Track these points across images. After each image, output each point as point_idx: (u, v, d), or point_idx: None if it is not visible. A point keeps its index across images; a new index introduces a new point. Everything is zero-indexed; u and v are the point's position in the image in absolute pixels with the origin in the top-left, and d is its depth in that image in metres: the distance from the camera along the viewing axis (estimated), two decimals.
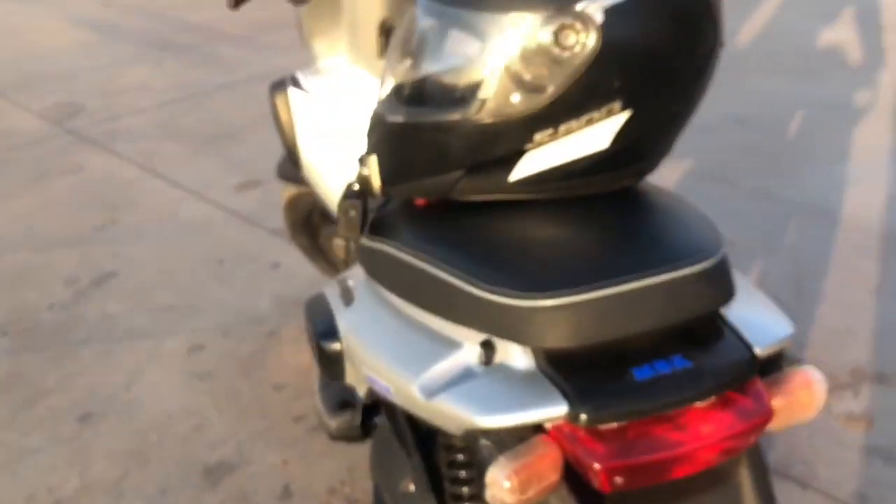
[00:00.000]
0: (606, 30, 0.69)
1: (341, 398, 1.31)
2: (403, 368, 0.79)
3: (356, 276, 1.01)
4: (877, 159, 2.85)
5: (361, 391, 0.97)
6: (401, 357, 0.81)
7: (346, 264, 1.95)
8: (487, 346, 0.75)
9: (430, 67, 0.79)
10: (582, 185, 0.79)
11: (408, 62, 0.82)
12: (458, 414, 0.72)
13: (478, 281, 0.74)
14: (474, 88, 0.74)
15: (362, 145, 1.46)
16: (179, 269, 2.42)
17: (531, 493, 0.66)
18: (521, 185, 0.78)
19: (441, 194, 0.84)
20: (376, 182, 0.89)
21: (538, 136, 0.74)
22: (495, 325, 0.73)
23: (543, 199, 0.81)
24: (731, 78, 3.53)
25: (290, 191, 1.98)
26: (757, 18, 4.57)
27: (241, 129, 3.40)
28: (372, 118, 0.89)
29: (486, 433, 0.70)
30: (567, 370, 0.69)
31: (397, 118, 0.83)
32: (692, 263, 0.69)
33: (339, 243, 2.00)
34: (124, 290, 2.31)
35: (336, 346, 0.93)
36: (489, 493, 0.67)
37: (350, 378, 0.95)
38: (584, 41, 0.70)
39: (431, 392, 0.74)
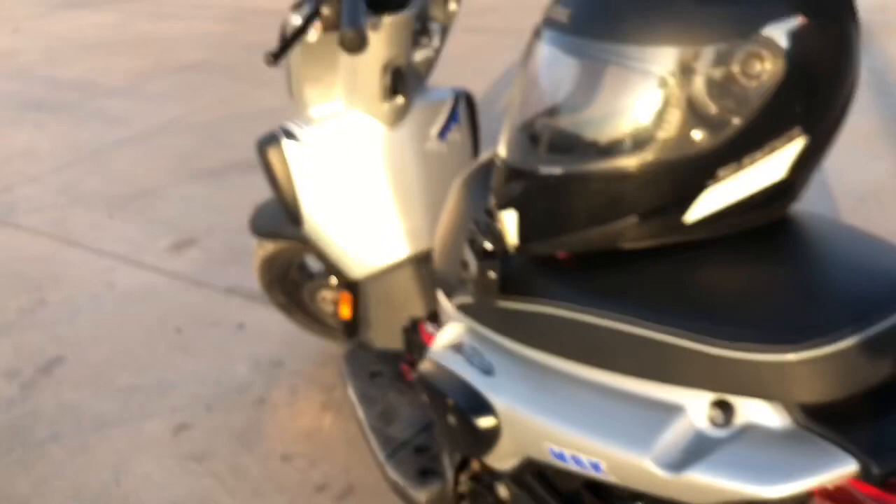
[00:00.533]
0: (790, 54, 0.70)
1: (419, 466, 1.25)
2: (622, 442, 0.73)
3: (474, 340, 0.95)
4: None
5: (507, 465, 0.91)
6: (612, 430, 0.75)
7: (335, 316, 1.87)
8: (724, 407, 0.70)
9: (592, 112, 0.75)
10: (755, 218, 0.78)
11: (549, 107, 0.79)
12: (723, 487, 0.66)
13: (706, 337, 0.69)
14: (651, 129, 0.72)
15: (374, 193, 1.40)
16: (134, 344, 2.23)
17: None
18: (697, 226, 0.77)
19: (605, 245, 0.80)
20: (513, 239, 0.85)
21: (721, 172, 0.73)
22: (734, 383, 0.68)
23: (714, 237, 0.78)
24: None
25: (267, 248, 1.88)
26: None
27: (157, 186, 3.21)
28: (503, 171, 0.84)
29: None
30: (836, 423, 0.66)
31: (554, 170, 0.78)
32: None
33: (326, 297, 1.92)
34: (78, 375, 2.11)
35: (491, 421, 0.87)
36: None
37: (502, 452, 0.89)
38: (771, 68, 0.70)
39: (676, 466, 0.69)
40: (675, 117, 0.71)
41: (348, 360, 1.62)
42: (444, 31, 1.38)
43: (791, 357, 0.64)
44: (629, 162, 0.73)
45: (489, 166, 1.11)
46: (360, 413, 1.47)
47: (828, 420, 0.65)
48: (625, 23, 0.71)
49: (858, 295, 0.68)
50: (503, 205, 0.83)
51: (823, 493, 0.65)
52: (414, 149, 1.52)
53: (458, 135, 1.56)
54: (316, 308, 2.01)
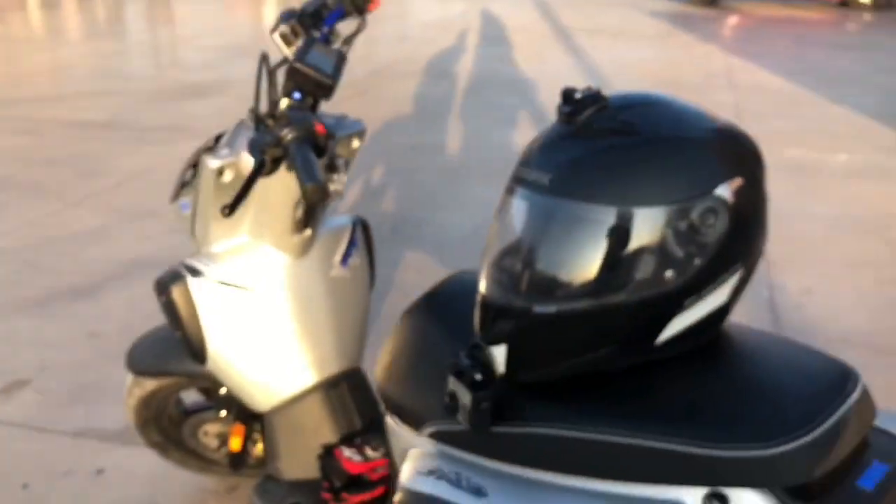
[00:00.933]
0: (734, 207, 0.86)
1: None
2: None
3: (453, 465, 0.99)
4: None
5: None
6: None
7: (220, 450, 1.81)
8: (719, 499, 0.81)
9: (577, 260, 0.86)
10: (704, 336, 0.93)
11: (534, 255, 0.88)
12: None
13: (697, 441, 0.80)
14: (630, 271, 0.85)
15: (281, 324, 1.41)
16: None
17: None
18: (663, 347, 0.89)
19: (587, 370, 0.90)
20: (501, 369, 0.92)
21: (686, 302, 0.87)
22: (726, 477, 0.79)
23: (674, 354, 0.91)
24: (455, 188, 3.96)
25: (146, 386, 1.80)
26: (456, 130, 5.15)
27: None
28: (490, 310, 0.92)
29: None
30: (812, 499, 0.79)
31: (548, 309, 0.87)
32: (858, 381, 0.85)
33: (210, 431, 1.86)
34: None
35: None
36: None
37: None
38: (722, 219, 0.85)
39: None
40: (649, 262, 0.84)
41: (259, 492, 1.57)
42: (348, 165, 1.46)
43: (777, 450, 0.77)
44: (614, 300, 0.85)
45: (433, 297, 1.18)
46: None
47: (803, 495, 0.78)
48: (602, 187, 0.84)
49: (809, 395, 0.83)
50: (492, 340, 0.91)
51: None
52: (320, 278, 1.56)
53: (358, 259, 1.62)
54: (198, 443, 1.93)
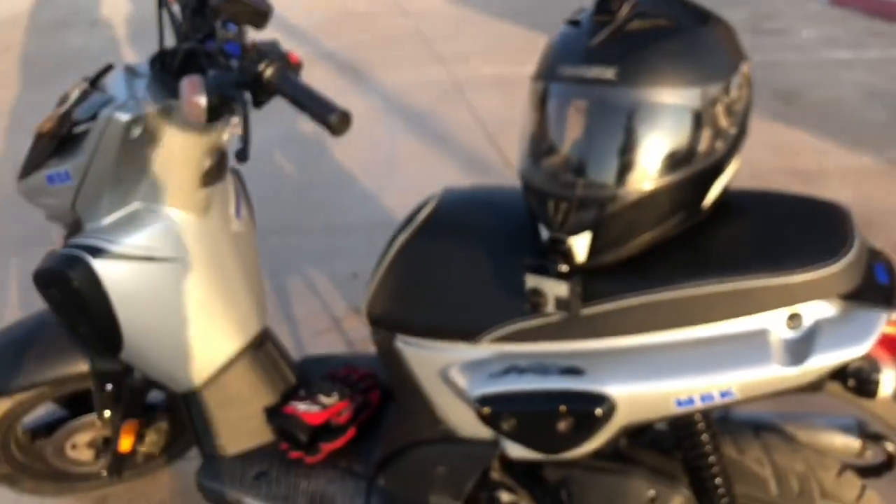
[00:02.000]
0: (749, 81, 1.02)
1: None
2: (745, 366, 0.95)
3: (522, 359, 1.06)
4: None
5: (591, 447, 1.06)
6: (731, 362, 0.95)
7: (95, 460, 1.63)
8: (794, 317, 0.97)
9: (649, 142, 0.95)
10: (721, 197, 1.07)
11: (608, 145, 0.96)
12: (830, 360, 0.93)
13: (771, 272, 0.95)
14: (695, 145, 0.96)
15: (198, 291, 1.31)
16: None
17: None
18: (706, 209, 1.03)
19: (655, 241, 1.00)
20: (582, 257, 0.99)
21: (726, 167, 1.01)
22: (798, 297, 0.95)
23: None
24: None
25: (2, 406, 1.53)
26: None
27: None
28: (573, 203, 0.97)
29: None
30: (865, 299, 0.96)
31: (633, 192, 0.96)
32: (850, 210, 1.05)
33: (80, 442, 1.64)
34: None
35: (608, 406, 1.00)
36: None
37: (601, 435, 1.04)
38: (746, 92, 1.00)
39: (793, 362, 0.94)
40: (707, 135, 0.96)
41: (208, 476, 1.44)
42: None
43: (835, 267, 0.96)
44: (686, 173, 0.96)
45: (430, 220, 1.19)
46: None
47: (860, 299, 0.98)
48: (670, 72, 0.94)
49: (832, 224, 1.02)
50: (573, 231, 0.97)
51: (883, 340, 0.98)
52: (224, 234, 1.44)
53: (246, 210, 1.52)
54: (64, 460, 1.67)
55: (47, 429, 1.68)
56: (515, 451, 1.13)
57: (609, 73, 0.95)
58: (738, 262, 0.98)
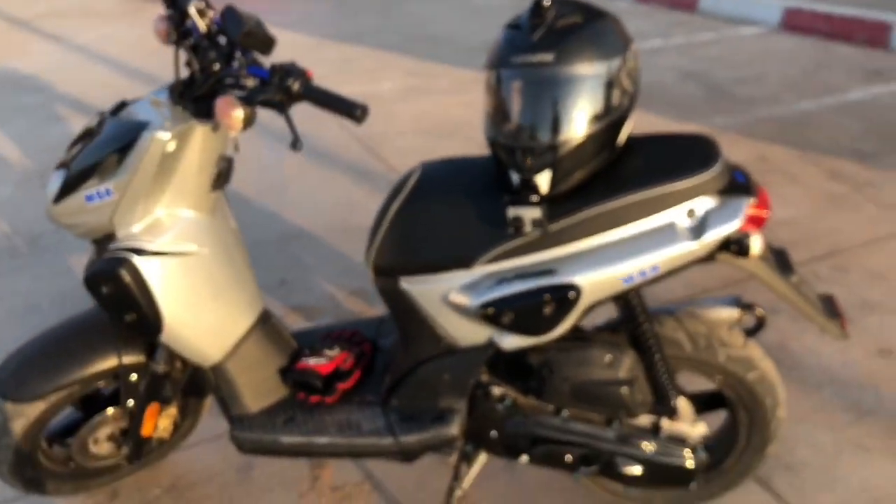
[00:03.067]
0: (636, 54, 1.45)
1: (430, 416, 1.62)
2: (664, 247, 1.37)
3: (506, 271, 1.44)
4: None
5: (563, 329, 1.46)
6: (656, 245, 1.37)
7: (118, 451, 1.84)
8: (690, 211, 1.39)
9: (580, 104, 1.35)
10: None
11: (565, 106, 1.35)
12: (717, 236, 1.37)
13: (674, 180, 1.38)
14: (613, 100, 1.37)
15: (216, 279, 1.62)
16: None
17: None
18: (619, 148, 1.46)
19: (592, 172, 1.41)
20: (545, 189, 1.39)
21: (631, 114, 1.44)
22: (693, 194, 1.38)
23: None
24: None
25: (30, 414, 1.74)
26: None
27: None
28: (536, 150, 1.35)
29: None
30: (728, 191, 1.43)
31: (578, 137, 1.36)
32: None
33: (101, 436, 1.85)
34: None
35: (578, 289, 1.40)
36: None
37: (572, 316, 1.44)
38: (635, 63, 1.43)
39: (694, 238, 1.37)
40: (616, 94, 1.39)
41: (243, 431, 1.70)
42: None
43: (715, 170, 1.41)
44: (604, 123, 1.38)
45: (419, 186, 1.54)
46: (325, 440, 1.64)
47: (729, 193, 1.43)
48: (592, 52, 1.35)
49: (703, 144, 1.47)
50: (538, 170, 1.37)
51: (749, 219, 1.43)
52: (228, 230, 1.72)
53: (230, 208, 1.80)
54: (88, 457, 1.86)
55: (65, 432, 1.86)
56: (509, 342, 1.51)
57: (549, 57, 1.36)
58: (647, 178, 1.42)
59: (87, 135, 1.56)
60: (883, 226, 3.19)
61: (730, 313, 1.67)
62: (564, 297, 1.41)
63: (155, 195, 1.54)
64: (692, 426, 1.68)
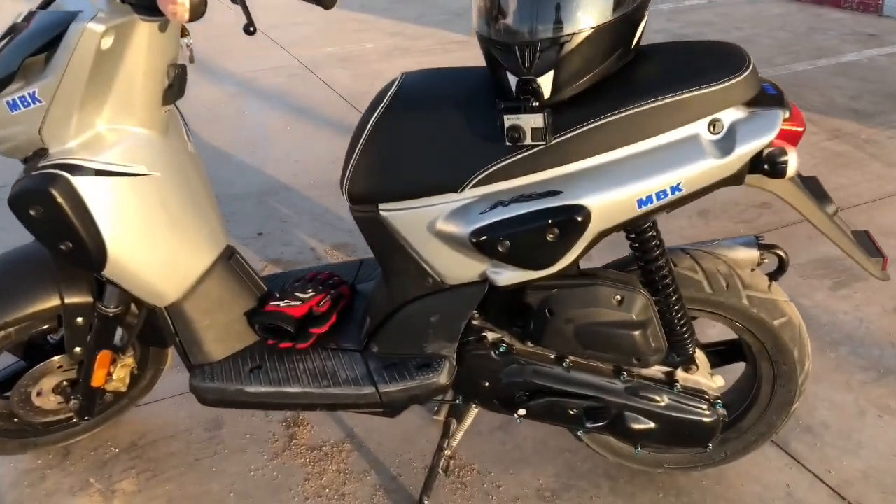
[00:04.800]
0: None
1: (415, 364, 1.43)
2: (687, 162, 1.19)
3: (504, 193, 1.25)
4: None
5: (570, 259, 1.27)
6: (677, 161, 1.19)
7: (66, 404, 1.65)
8: (714, 122, 1.21)
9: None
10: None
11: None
12: (748, 148, 1.19)
13: (695, 87, 1.19)
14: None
15: (171, 208, 1.42)
16: None
17: None
18: (634, 49, 1.26)
19: (602, 76, 1.21)
20: (548, 93, 1.19)
21: (645, 13, 1.24)
22: (717, 105, 1.20)
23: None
24: None
25: None
26: None
27: None
28: (538, 46, 1.15)
29: None
30: (756, 103, 1.24)
31: (586, 29, 1.16)
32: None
33: (46, 387, 1.66)
34: None
35: (587, 211, 1.22)
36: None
37: (581, 241, 1.25)
38: None
39: (723, 155, 1.19)
40: None
41: (200, 383, 1.50)
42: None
43: (741, 77, 1.21)
44: (616, 15, 1.17)
45: (396, 98, 1.34)
46: (297, 389, 1.45)
47: (759, 104, 1.25)
48: None
49: (731, 51, 1.27)
50: (539, 72, 1.17)
51: (781, 134, 1.24)
52: (185, 153, 1.51)
53: (191, 133, 1.59)
54: (30, 410, 1.66)
55: (7, 383, 1.66)
56: (506, 278, 1.32)
57: None
58: (666, 84, 1.23)
59: (12, 31, 1.34)
60: (892, 183, 3.02)
61: (750, 253, 1.49)
62: (570, 220, 1.22)
63: (93, 105, 1.33)
64: (710, 379, 1.50)
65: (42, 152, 1.35)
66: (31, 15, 1.36)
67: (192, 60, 1.43)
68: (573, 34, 1.17)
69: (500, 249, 1.25)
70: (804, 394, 1.55)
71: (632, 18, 1.22)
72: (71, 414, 1.70)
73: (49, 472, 1.76)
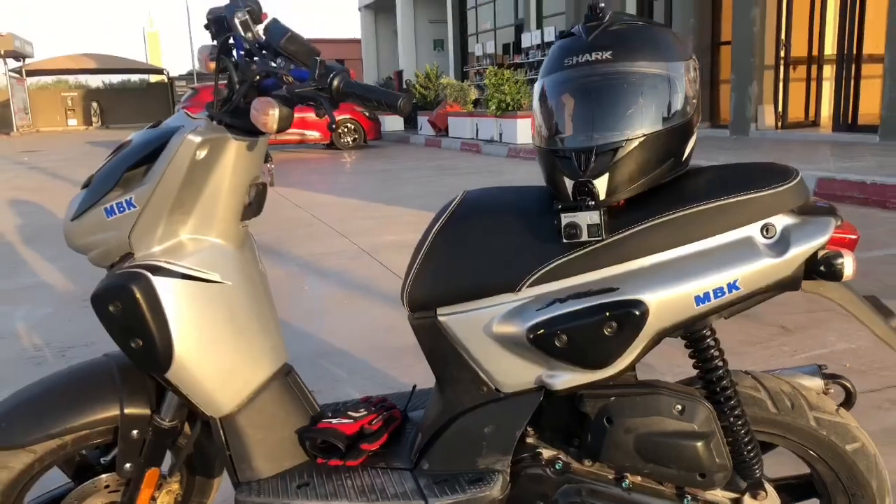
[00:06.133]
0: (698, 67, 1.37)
1: (469, 478, 1.37)
2: (745, 262, 1.22)
3: (562, 291, 1.28)
4: None
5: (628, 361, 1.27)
6: (733, 261, 1.22)
7: None
8: (767, 227, 1.24)
9: (652, 103, 1.27)
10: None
11: (611, 108, 1.26)
12: (803, 249, 1.22)
13: (750, 191, 1.25)
14: (674, 105, 1.27)
15: (238, 319, 1.47)
16: None
17: None
18: (684, 161, 1.33)
19: (653, 184, 1.29)
20: (603, 195, 1.25)
21: (696, 127, 1.33)
22: (770, 209, 1.25)
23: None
24: None
25: (14, 465, 1.53)
26: None
27: None
28: (593, 153, 1.25)
29: None
30: (805, 212, 1.29)
31: (637, 138, 1.25)
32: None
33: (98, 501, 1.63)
34: None
35: (644, 306, 1.23)
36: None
37: (643, 336, 1.25)
38: (696, 72, 1.33)
39: (777, 255, 1.22)
40: (678, 98, 1.29)
41: (246, 498, 1.46)
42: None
43: (791, 184, 1.26)
44: (667, 125, 1.26)
45: (454, 213, 1.42)
46: (346, 502, 1.39)
47: (803, 212, 1.28)
48: (652, 52, 1.27)
49: (780, 167, 1.34)
50: (595, 175, 1.24)
51: (834, 241, 1.26)
52: (256, 269, 1.59)
53: (258, 252, 1.68)
54: None
55: (52, 502, 1.63)
56: (562, 381, 1.30)
57: (607, 54, 1.28)
58: (718, 189, 1.29)
59: (117, 150, 1.49)
60: None
61: (812, 384, 1.45)
62: (628, 314, 1.22)
63: (179, 214, 1.44)
64: None
65: (127, 257, 1.45)
66: (133, 137, 1.51)
67: (272, 184, 1.55)
68: (626, 140, 1.25)
69: (556, 344, 1.26)
70: None
71: (681, 130, 1.31)
72: None
73: None
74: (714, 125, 13.30)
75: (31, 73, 35.60)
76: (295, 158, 13.13)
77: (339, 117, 14.61)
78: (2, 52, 31.76)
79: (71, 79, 41.81)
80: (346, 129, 15.14)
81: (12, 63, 33.73)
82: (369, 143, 15.70)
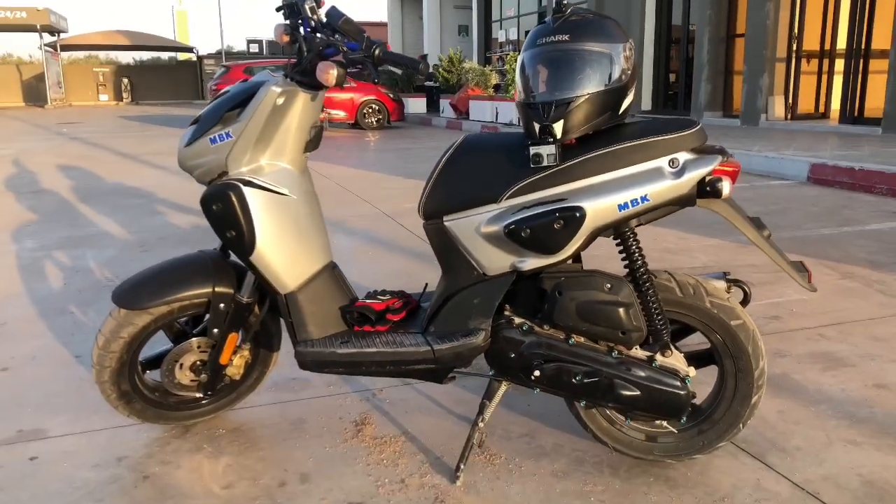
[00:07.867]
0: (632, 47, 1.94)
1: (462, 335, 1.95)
2: (655, 182, 1.76)
3: (525, 201, 1.85)
4: None
5: (572, 250, 1.84)
6: (647, 180, 1.77)
7: (197, 378, 2.20)
8: (673, 160, 1.81)
9: (597, 72, 1.81)
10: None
11: (574, 70, 1.81)
12: (695, 175, 1.77)
13: (663, 133, 1.79)
14: (611, 73, 1.83)
15: (302, 222, 2.06)
16: None
17: None
18: (620, 116, 1.88)
19: (596, 129, 1.84)
20: (559, 135, 1.81)
21: (630, 91, 1.89)
22: (675, 147, 1.74)
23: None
24: None
25: (138, 322, 2.11)
26: None
27: None
28: (553, 105, 1.79)
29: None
30: (701, 151, 1.84)
31: (585, 95, 1.79)
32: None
33: (186, 363, 2.22)
34: None
35: (584, 210, 1.78)
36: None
37: (579, 236, 1.81)
38: (632, 53, 1.92)
39: (677, 177, 1.78)
40: (616, 69, 1.85)
41: (307, 351, 2.04)
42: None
43: (694, 129, 1.83)
44: (607, 88, 1.82)
45: (462, 145, 1.99)
46: (373, 350, 1.98)
47: (699, 152, 1.84)
48: (592, 36, 1.83)
49: (688, 119, 1.91)
50: (554, 119, 1.81)
51: (720, 172, 1.82)
52: (312, 188, 2.18)
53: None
54: (171, 380, 2.21)
55: (156, 361, 2.24)
56: (528, 265, 1.88)
57: (566, 37, 1.84)
58: (641, 133, 1.85)
59: (217, 96, 2.08)
60: (889, 308, 3.45)
61: (719, 283, 2.01)
62: (572, 216, 1.80)
63: (261, 145, 2.03)
64: (683, 364, 1.97)
65: (223, 175, 2.04)
66: (230, 88, 2.10)
67: (326, 127, 2.14)
68: (576, 96, 1.82)
69: (523, 235, 1.83)
70: (762, 389, 1.98)
71: (617, 92, 1.87)
72: (196, 396, 2.24)
73: (173, 439, 2.27)
74: (726, 114, 13.74)
75: (65, 48, 36.46)
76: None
77: (363, 98, 15.26)
78: (38, 27, 32.66)
79: (102, 55, 42.85)
80: (370, 110, 15.67)
81: (47, 38, 34.61)
82: (392, 124, 16.28)
